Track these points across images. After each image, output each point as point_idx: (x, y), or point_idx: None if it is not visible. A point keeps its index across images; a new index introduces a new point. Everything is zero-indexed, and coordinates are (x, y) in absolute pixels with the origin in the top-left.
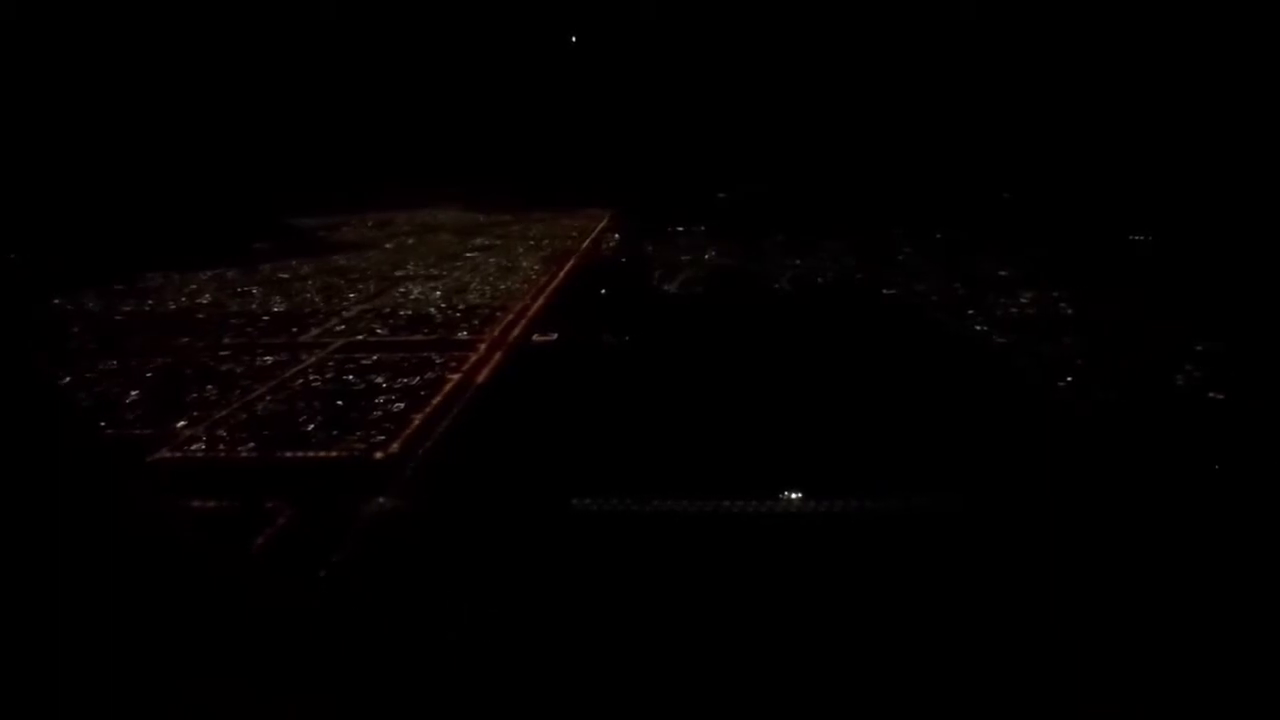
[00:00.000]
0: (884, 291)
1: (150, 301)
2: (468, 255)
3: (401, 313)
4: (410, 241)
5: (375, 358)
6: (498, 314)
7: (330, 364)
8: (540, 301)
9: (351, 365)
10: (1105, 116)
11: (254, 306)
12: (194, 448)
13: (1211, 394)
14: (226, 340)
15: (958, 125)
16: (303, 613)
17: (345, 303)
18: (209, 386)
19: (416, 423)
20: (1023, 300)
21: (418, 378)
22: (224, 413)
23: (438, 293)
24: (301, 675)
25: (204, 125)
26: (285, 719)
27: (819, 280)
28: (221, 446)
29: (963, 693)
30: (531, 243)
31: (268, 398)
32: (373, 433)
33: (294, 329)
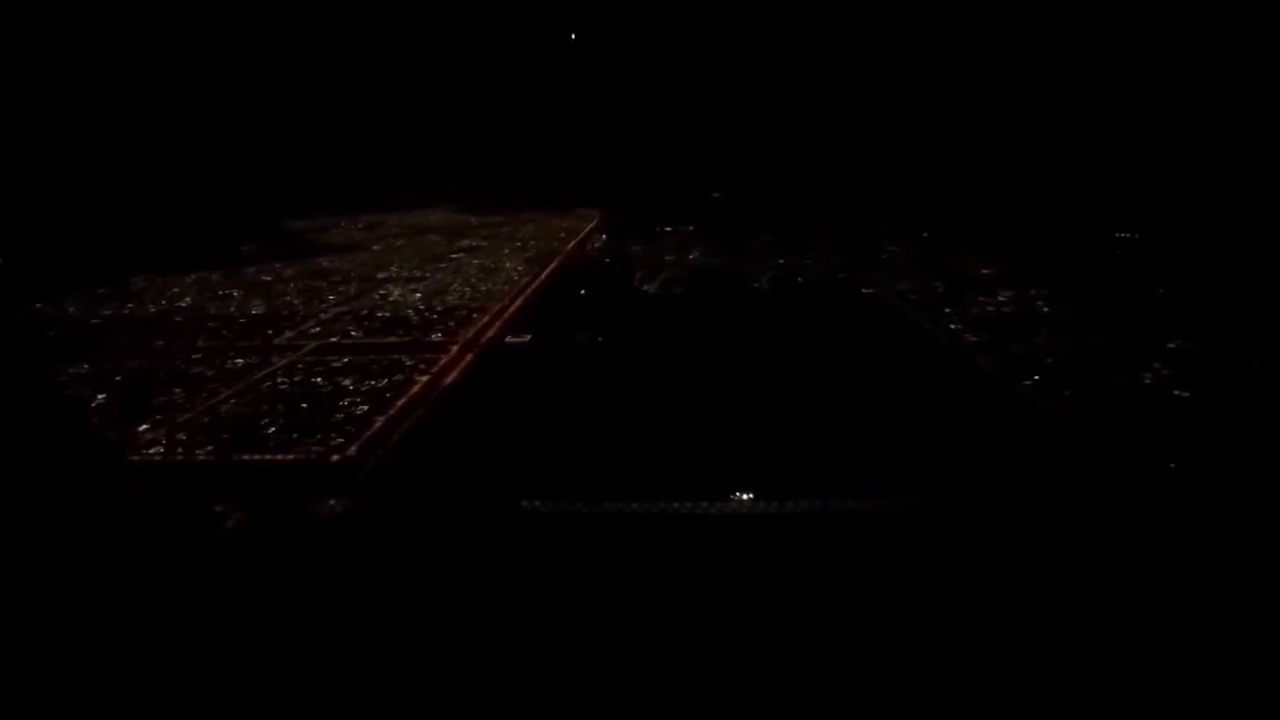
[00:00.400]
0: (863, 290)
1: (131, 305)
2: (453, 257)
3: (378, 315)
4: (398, 243)
5: (346, 360)
6: (474, 316)
7: (300, 366)
8: (518, 303)
9: (321, 368)
10: (1098, 116)
11: (232, 309)
12: (152, 451)
13: (1177, 392)
14: (200, 343)
15: (954, 124)
16: (305, 612)
17: (324, 305)
18: (176, 390)
19: (378, 425)
20: (1000, 299)
21: (385, 380)
22: (187, 416)
23: (417, 295)
24: (304, 675)
25: (203, 125)
26: (287, 719)
27: (799, 279)
28: (180, 450)
29: (961, 694)
30: (518, 244)
31: (232, 401)
32: (332, 435)
33: (269, 331)
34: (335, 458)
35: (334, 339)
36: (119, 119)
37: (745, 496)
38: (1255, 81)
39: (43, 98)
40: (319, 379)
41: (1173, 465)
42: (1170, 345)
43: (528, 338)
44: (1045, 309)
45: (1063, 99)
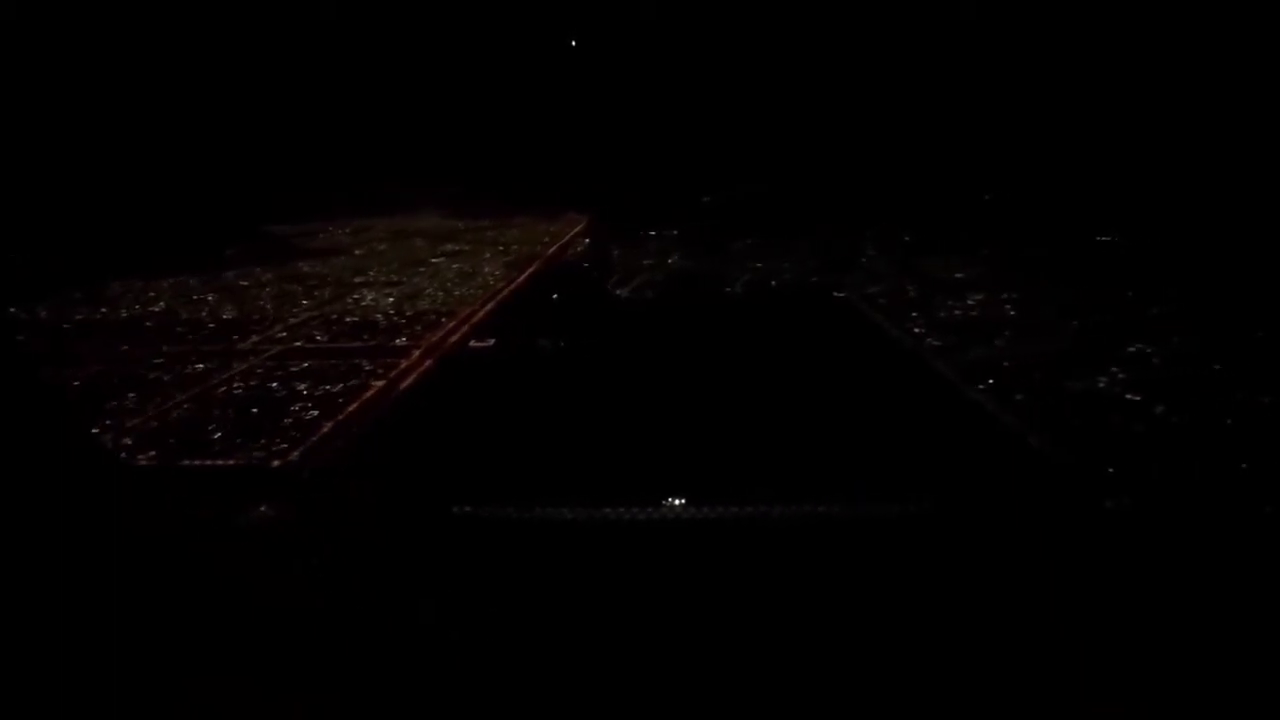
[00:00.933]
0: (834, 294)
1: (103, 310)
2: (433, 261)
3: (348, 319)
4: (381, 248)
5: (306, 365)
6: (442, 320)
7: (259, 371)
8: (489, 307)
9: (280, 372)
10: (1086, 119)
11: (203, 314)
12: None
13: (1129, 395)
14: (165, 348)
15: (954, 127)
16: (307, 612)
17: (296, 310)
18: (131, 395)
19: (325, 430)
20: (969, 303)
21: (341, 385)
22: (136, 421)
23: (390, 299)
24: (306, 674)
25: (201, 126)
26: (290, 718)
27: (773, 283)
28: (123, 455)
29: (960, 695)
30: (500, 248)
31: (185, 406)
32: (277, 440)
33: (234, 336)
34: (276, 463)
35: (298, 343)
36: (114, 119)
37: (678, 501)
38: (1242, 86)
39: (32, 97)
40: (275, 384)
41: (1110, 469)
42: (1131, 349)
43: (491, 342)
44: (1013, 313)
45: (1056, 103)
